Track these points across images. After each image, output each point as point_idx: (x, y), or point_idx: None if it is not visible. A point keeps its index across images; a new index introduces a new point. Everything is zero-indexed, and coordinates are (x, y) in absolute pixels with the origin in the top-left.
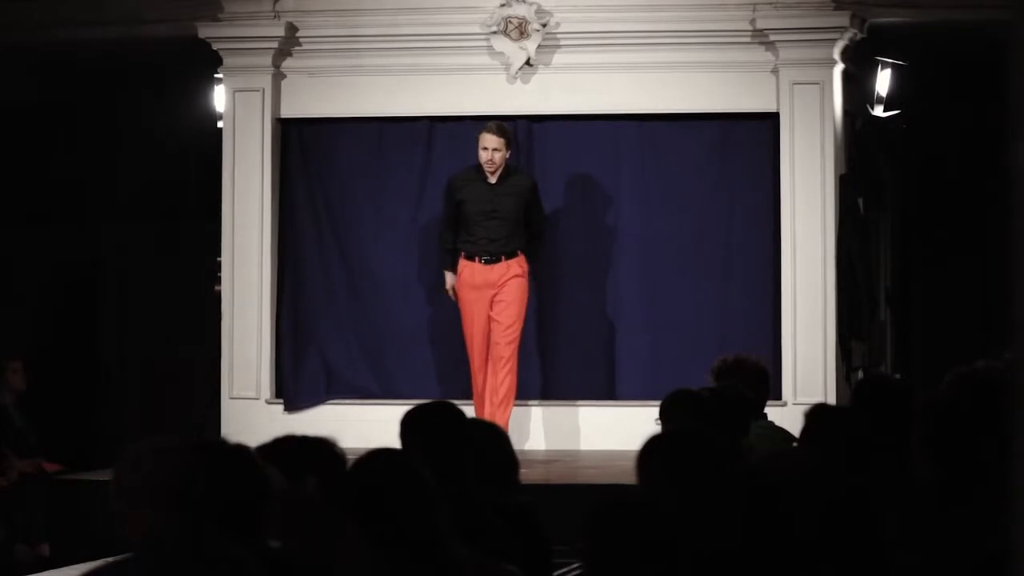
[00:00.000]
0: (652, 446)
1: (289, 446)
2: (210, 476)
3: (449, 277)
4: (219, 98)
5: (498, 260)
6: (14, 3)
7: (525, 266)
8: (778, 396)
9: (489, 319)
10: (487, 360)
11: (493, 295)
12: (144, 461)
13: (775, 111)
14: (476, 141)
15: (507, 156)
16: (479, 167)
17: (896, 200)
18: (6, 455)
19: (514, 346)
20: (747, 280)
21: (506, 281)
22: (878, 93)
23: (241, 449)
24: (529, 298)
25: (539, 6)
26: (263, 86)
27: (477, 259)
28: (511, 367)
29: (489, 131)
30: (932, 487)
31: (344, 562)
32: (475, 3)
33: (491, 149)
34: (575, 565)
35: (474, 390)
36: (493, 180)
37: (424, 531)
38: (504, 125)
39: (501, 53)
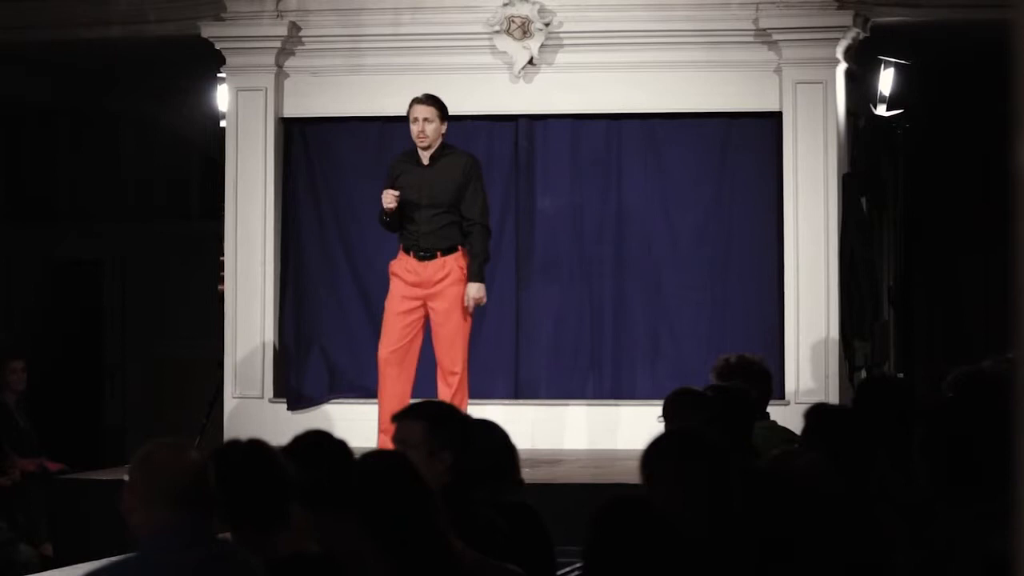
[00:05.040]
0: (656, 446)
1: (306, 443)
2: (226, 475)
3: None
4: (222, 97)
5: (433, 256)
6: (17, 3)
7: (464, 265)
8: (781, 396)
9: (422, 323)
10: (404, 369)
11: (427, 298)
12: (155, 460)
13: (778, 110)
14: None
15: (442, 130)
16: (415, 150)
17: (899, 199)
18: (9, 455)
19: (463, 359)
20: (750, 279)
21: (441, 283)
22: (881, 92)
23: (259, 446)
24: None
25: (542, 5)
26: (266, 85)
27: (412, 253)
28: (463, 382)
29: (418, 101)
30: (933, 487)
31: (347, 562)
32: (478, 2)
33: (421, 119)
34: (578, 564)
35: (382, 401)
36: (426, 160)
37: (425, 531)
38: (435, 95)
39: (504, 52)
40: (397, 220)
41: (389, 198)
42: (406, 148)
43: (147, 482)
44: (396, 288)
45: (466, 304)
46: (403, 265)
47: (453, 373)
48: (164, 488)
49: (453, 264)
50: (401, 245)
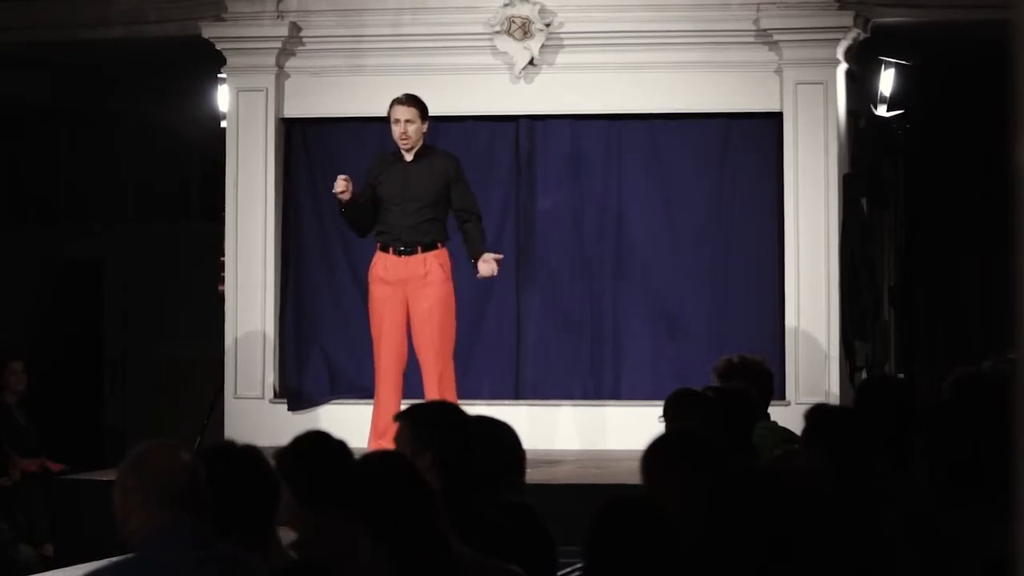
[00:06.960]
0: (656, 446)
1: (306, 443)
2: (218, 478)
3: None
4: (223, 98)
5: (414, 252)
6: (17, 3)
7: (447, 261)
8: (781, 396)
9: (405, 324)
10: (398, 375)
11: (409, 294)
12: (149, 461)
13: (779, 111)
14: (388, 117)
15: (424, 130)
16: (397, 149)
17: (899, 200)
18: (10, 455)
19: (447, 360)
20: (750, 280)
21: (424, 279)
22: (881, 93)
23: (250, 450)
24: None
25: (542, 6)
26: (267, 86)
27: (391, 250)
28: (449, 383)
29: (399, 102)
30: (933, 487)
31: (347, 562)
32: (479, 3)
33: (403, 121)
34: (578, 564)
35: (375, 405)
36: (409, 157)
37: (425, 531)
38: (416, 95)
39: (504, 53)
40: (369, 215)
41: (340, 184)
42: (388, 149)
43: (143, 484)
44: (378, 292)
45: (488, 272)
46: (382, 264)
47: (436, 373)
48: (160, 488)
49: (434, 262)
50: (378, 244)
